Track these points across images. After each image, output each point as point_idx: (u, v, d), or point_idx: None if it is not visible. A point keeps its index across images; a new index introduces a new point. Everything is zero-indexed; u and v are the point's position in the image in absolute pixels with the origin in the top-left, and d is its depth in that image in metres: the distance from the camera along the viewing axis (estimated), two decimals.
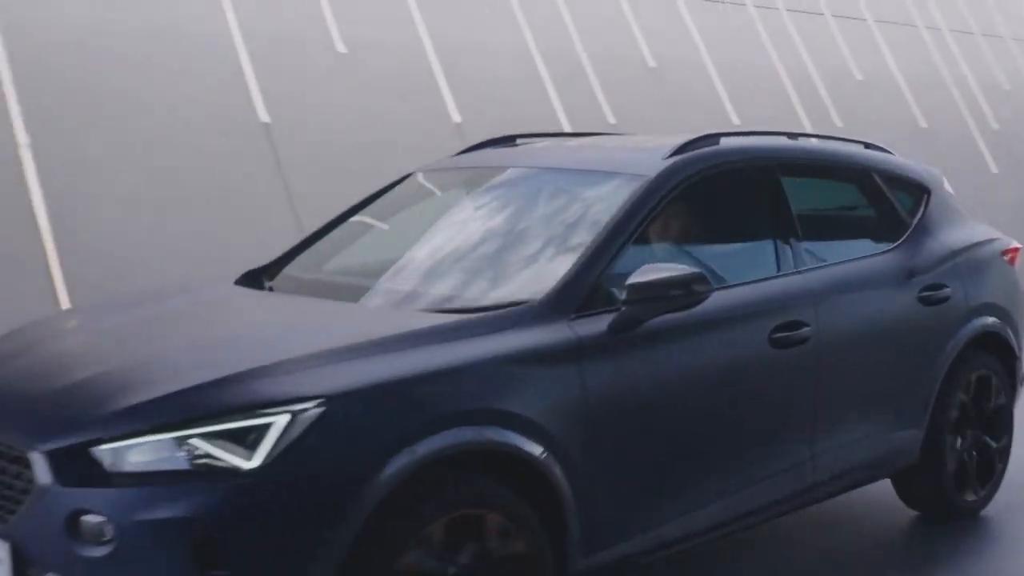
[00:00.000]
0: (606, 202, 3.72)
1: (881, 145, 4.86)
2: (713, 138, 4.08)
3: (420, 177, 4.45)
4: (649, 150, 4.02)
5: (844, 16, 14.60)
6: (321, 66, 8.81)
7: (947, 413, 4.52)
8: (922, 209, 4.71)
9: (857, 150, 4.73)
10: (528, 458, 3.05)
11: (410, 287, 3.64)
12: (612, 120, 10.58)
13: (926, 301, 4.43)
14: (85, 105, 7.65)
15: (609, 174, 3.89)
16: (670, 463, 3.54)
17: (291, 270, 4.10)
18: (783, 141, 4.54)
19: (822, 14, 14.36)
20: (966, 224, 4.92)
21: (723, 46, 12.52)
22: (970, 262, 4.71)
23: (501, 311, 3.30)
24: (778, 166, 4.21)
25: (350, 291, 3.74)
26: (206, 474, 2.64)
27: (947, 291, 4.51)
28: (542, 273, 3.52)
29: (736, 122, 11.77)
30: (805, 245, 4.13)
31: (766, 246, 4.11)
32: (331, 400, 2.75)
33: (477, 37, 9.91)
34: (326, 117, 8.57)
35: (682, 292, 3.38)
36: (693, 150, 3.93)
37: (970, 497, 4.66)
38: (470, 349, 3.10)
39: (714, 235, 4.18)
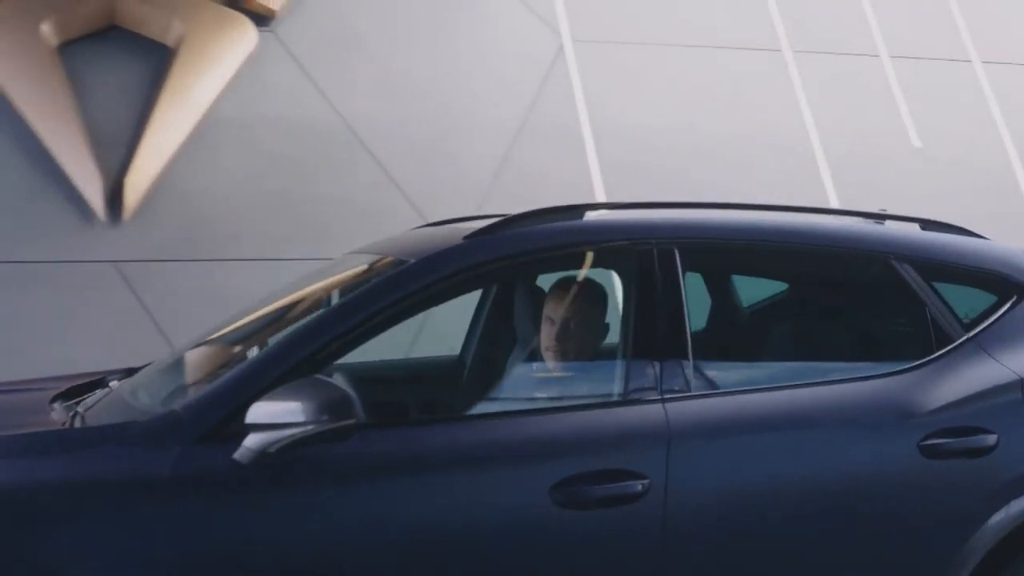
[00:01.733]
0: None
1: (955, 224, 3.51)
2: (570, 212, 3.11)
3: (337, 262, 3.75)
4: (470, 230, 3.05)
5: None
6: (894, 159, 8.65)
7: None
8: (996, 316, 3.18)
9: (866, 230, 3.33)
10: None
11: (128, 394, 3.06)
12: None
13: (935, 452, 2.92)
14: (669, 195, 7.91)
15: (396, 263, 3.02)
16: None
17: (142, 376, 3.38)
18: (702, 215, 3.27)
19: None
20: None
21: None
22: None
23: (105, 427, 2.68)
24: (678, 250, 2.98)
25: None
26: None
27: (987, 439, 2.96)
28: None
29: None
30: (711, 364, 2.98)
31: (608, 362, 3.04)
32: None
33: None
34: (897, 209, 8.31)
35: (316, 420, 2.51)
36: (515, 227, 2.98)
37: None
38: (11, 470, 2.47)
39: (516, 344, 3.30)
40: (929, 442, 2.94)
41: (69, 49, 7.50)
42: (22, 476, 2.51)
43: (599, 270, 3.39)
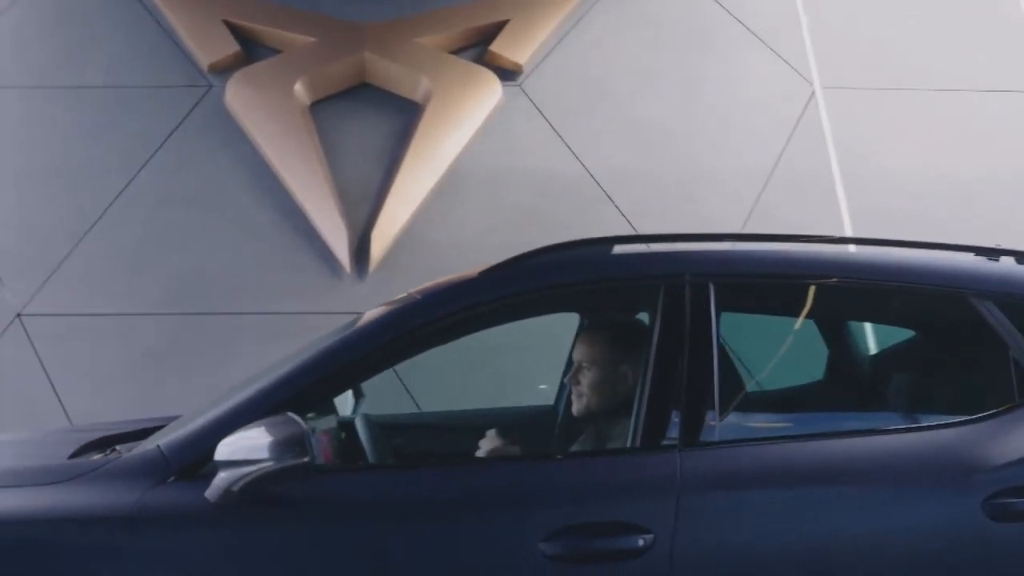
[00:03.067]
0: None
1: None
2: (597, 244, 2.98)
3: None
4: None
5: None
6: None
7: None
8: None
9: (942, 264, 2.92)
10: None
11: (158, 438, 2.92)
12: None
13: (1003, 513, 2.54)
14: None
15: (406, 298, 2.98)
16: None
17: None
18: (741, 248, 2.95)
19: None
20: None
21: None
22: None
23: (88, 462, 2.70)
24: (713, 287, 2.73)
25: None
26: None
27: None
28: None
29: None
30: (741, 411, 2.79)
31: (626, 406, 2.77)
32: None
33: None
34: None
35: (274, 458, 2.46)
36: (531, 260, 2.87)
37: None
38: None
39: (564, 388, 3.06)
40: (996, 501, 2.57)
41: (320, 107, 7.70)
42: (8, 505, 2.59)
43: (630, 308, 3.25)
